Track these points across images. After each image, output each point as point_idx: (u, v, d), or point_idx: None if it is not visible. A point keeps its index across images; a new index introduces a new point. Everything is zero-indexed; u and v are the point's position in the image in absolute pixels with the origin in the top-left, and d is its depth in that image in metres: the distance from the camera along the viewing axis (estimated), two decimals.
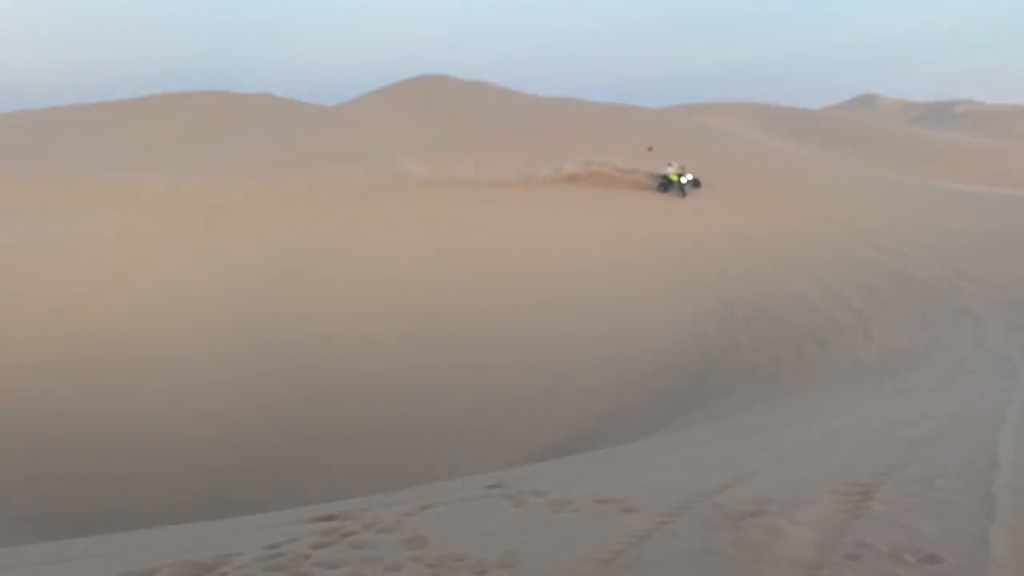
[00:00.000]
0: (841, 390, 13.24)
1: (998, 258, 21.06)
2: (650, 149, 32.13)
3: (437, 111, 41.86)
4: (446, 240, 24.78)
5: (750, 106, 65.45)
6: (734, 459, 6.85)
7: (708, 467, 6.66)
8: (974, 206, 28.65)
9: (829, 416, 10.16)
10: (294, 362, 18.24)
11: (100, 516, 12.86)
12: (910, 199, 30.06)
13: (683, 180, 29.95)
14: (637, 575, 3.82)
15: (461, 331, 19.71)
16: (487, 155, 31.62)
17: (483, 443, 15.41)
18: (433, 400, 17.00)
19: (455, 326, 19.93)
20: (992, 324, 15.98)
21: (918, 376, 12.94)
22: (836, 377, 14.86)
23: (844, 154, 46.29)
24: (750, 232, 26.92)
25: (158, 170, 31.34)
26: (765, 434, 8.95)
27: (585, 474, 6.97)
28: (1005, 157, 48.00)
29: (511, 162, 30.65)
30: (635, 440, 11.84)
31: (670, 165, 30.28)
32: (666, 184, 30.12)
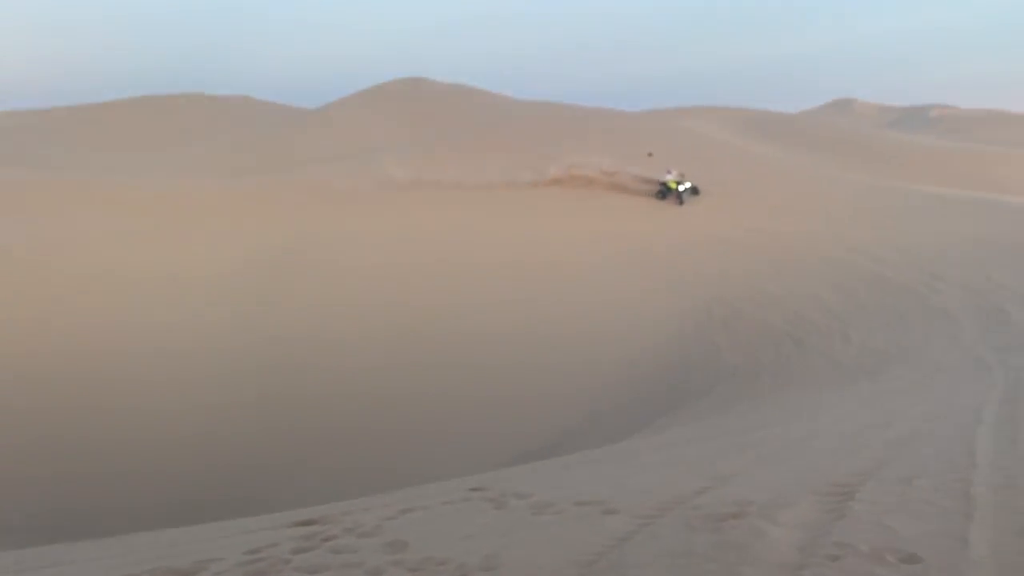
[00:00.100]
0: (819, 391, 13.33)
1: (973, 261, 21.29)
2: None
3: (416, 113, 41.81)
4: (429, 241, 24.74)
5: (727, 110, 65.78)
6: (714, 460, 6.87)
7: (689, 468, 6.66)
8: (949, 209, 28.95)
9: (808, 417, 10.22)
10: (274, 362, 18.15)
11: (77, 521, 12.70)
12: (886, 202, 30.32)
13: (681, 188, 29.56)
14: None
15: (444, 332, 19.69)
16: (468, 157, 31.59)
17: (465, 445, 15.39)
18: (415, 401, 16.96)
19: (438, 327, 19.91)
20: (967, 326, 16.15)
21: (895, 377, 13.05)
22: (814, 378, 14.96)
23: (821, 158, 46.62)
24: (727, 234, 27.07)
25: (136, 172, 31.05)
26: (745, 435, 8.98)
27: (566, 476, 6.96)
28: (979, 161, 48.56)
29: (493, 164, 30.63)
30: (616, 442, 11.85)
31: (669, 172, 29.93)
32: (664, 191, 29.72)
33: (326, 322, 19.81)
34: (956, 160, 48.35)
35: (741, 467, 6.29)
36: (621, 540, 4.28)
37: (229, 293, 20.64)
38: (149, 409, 16.26)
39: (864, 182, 35.37)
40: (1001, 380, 10.57)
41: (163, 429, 15.58)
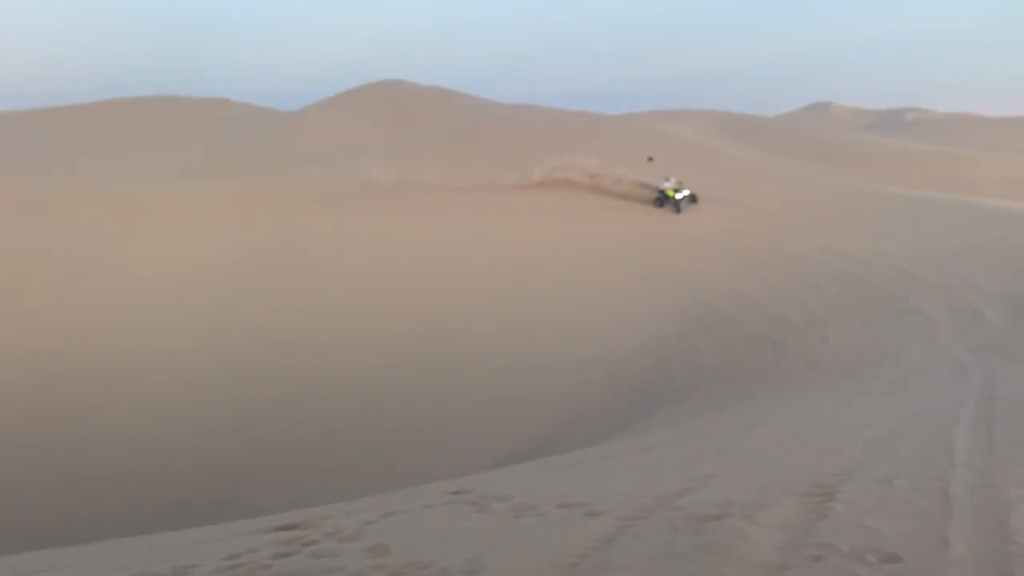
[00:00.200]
0: (798, 392, 13.42)
1: (948, 262, 21.53)
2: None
3: (396, 116, 41.70)
4: (413, 243, 24.70)
5: (705, 113, 66.16)
6: (696, 462, 6.88)
7: (671, 470, 6.68)
8: (925, 212, 29.27)
9: (788, 418, 10.28)
10: (258, 364, 18.04)
11: (54, 526, 12.54)
12: (863, 205, 30.60)
13: (679, 196, 29.35)
14: None
15: (428, 333, 19.66)
16: (451, 159, 31.57)
17: (449, 446, 15.37)
18: (401, 402, 16.93)
19: (422, 328, 19.89)
20: (943, 326, 16.34)
21: (873, 378, 13.17)
22: (793, 379, 15.06)
23: (799, 161, 46.99)
24: (706, 237, 27.24)
25: (113, 175, 30.74)
26: (726, 436, 9.02)
27: (548, 478, 6.95)
28: (954, 164, 49.13)
29: (476, 166, 30.62)
30: (598, 443, 11.86)
31: (667, 180, 29.79)
32: (662, 199, 29.55)
33: (312, 324, 19.74)
34: (931, 163, 48.89)
35: (722, 468, 6.31)
36: (604, 542, 4.28)
37: (213, 296, 20.51)
38: (138, 411, 16.14)
39: (842, 185, 35.69)
40: (977, 380, 10.70)
41: (150, 430, 15.46)
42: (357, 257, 23.44)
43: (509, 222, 27.07)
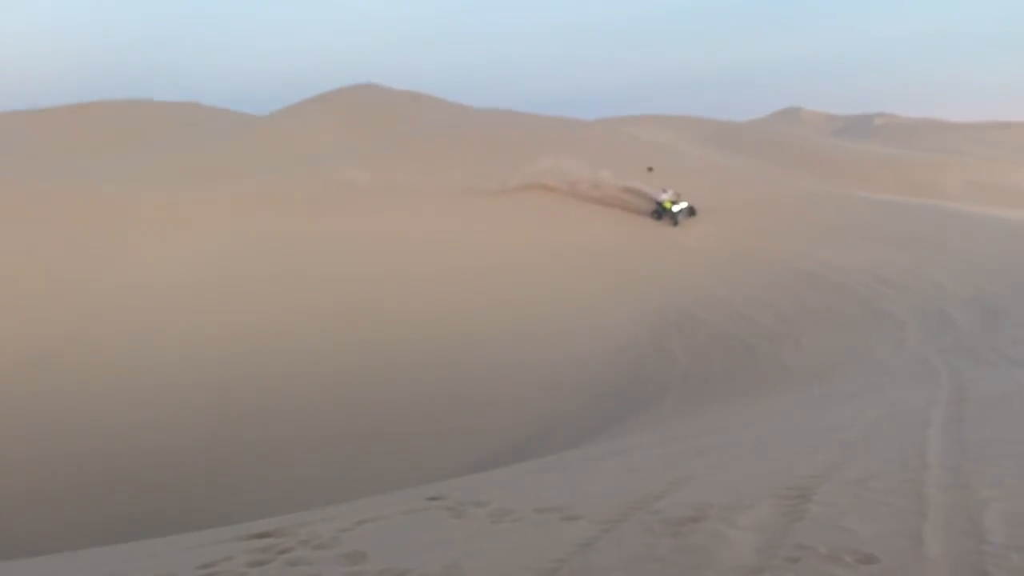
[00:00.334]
0: (771, 394, 13.52)
1: (917, 264, 21.83)
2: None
3: (369, 120, 41.52)
4: (389, 248, 24.58)
5: (676, 118, 66.77)
6: (672, 465, 6.90)
7: (648, 473, 6.69)
8: (894, 214, 29.67)
9: (762, 420, 10.35)
10: (228, 372, 17.83)
11: (27, 537, 12.32)
12: (834, 209, 30.94)
13: (676, 208, 28.84)
14: None
15: (402, 338, 19.55)
16: (428, 164, 31.49)
17: (427, 451, 15.29)
18: (372, 408, 16.81)
19: (394, 333, 19.76)
20: (913, 329, 16.55)
21: (845, 380, 13.30)
22: (766, 382, 15.18)
23: (770, 165, 47.51)
24: (680, 240, 27.43)
25: (81, 179, 30.28)
26: (701, 439, 9.06)
27: (525, 483, 6.94)
28: (922, 168, 49.94)
29: (452, 171, 30.55)
30: (574, 447, 11.87)
31: (665, 192, 29.39)
32: (660, 211, 29.07)
33: (285, 330, 19.56)
34: (899, 167, 49.65)
35: (699, 471, 6.34)
36: (582, 546, 4.26)
37: (187, 303, 20.26)
38: (112, 420, 15.89)
39: (812, 189, 36.09)
40: (947, 382, 10.85)
41: (125, 439, 15.23)
42: (334, 263, 23.28)
43: (487, 227, 27.04)
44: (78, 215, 24.63)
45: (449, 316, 20.75)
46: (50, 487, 13.98)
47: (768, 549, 4.01)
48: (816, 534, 4.16)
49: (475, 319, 20.68)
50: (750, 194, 32.91)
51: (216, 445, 15.66)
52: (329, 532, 5.10)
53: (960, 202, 37.90)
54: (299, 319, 20.13)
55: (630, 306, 21.78)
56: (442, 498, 5.93)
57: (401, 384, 17.70)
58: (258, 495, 14.08)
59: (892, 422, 8.23)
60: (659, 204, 29.31)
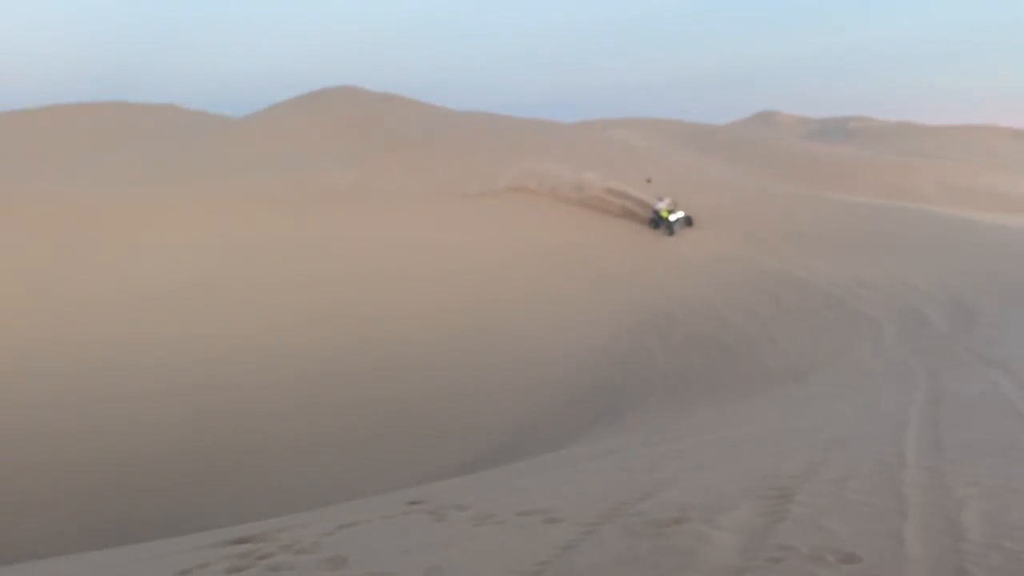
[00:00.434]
0: (751, 396, 13.58)
1: (893, 266, 22.04)
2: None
3: (348, 122, 41.27)
4: (366, 250, 24.44)
5: (655, 121, 67.09)
6: (654, 466, 6.91)
7: (629, 475, 6.69)
8: (870, 216, 29.95)
9: (743, 421, 10.39)
10: (203, 379, 17.64)
11: (2, 545, 12.12)
12: (808, 211, 31.20)
13: (672, 218, 28.59)
14: None
15: (384, 341, 19.46)
16: (409, 166, 31.36)
17: (409, 456, 15.21)
18: (354, 412, 16.70)
19: (378, 336, 19.67)
20: (889, 330, 16.70)
21: (823, 381, 13.39)
22: (745, 383, 15.25)
23: (747, 168, 47.81)
24: (659, 243, 27.52)
25: (55, 183, 29.89)
26: (681, 440, 9.08)
27: (506, 486, 6.91)
28: (896, 171, 50.44)
29: (435, 174, 30.44)
30: (554, 450, 11.85)
31: (661, 200, 29.23)
32: (657, 221, 28.84)
33: (266, 334, 19.38)
34: (873, 170, 50.13)
35: (680, 472, 6.34)
36: (565, 549, 4.25)
37: (162, 309, 20.01)
38: (87, 428, 15.64)
39: (788, 192, 36.35)
40: (924, 382, 10.94)
41: (99, 447, 15.01)
42: (315, 267, 23.11)
43: (469, 229, 26.99)
44: (53, 219, 24.28)
45: (434, 318, 20.69)
46: (28, 497, 13.77)
47: (750, 550, 4.01)
48: (797, 534, 4.17)
49: (458, 321, 20.63)
50: (726, 197, 33.09)
51: (199, 451, 15.49)
52: (310, 537, 5.05)
53: (935, 204, 38.33)
54: (280, 323, 19.97)
55: (609, 307, 21.84)
56: (423, 502, 5.89)
57: (385, 387, 17.61)
58: (242, 500, 13.93)
59: (870, 422, 8.28)
60: (656, 213, 28.99)
